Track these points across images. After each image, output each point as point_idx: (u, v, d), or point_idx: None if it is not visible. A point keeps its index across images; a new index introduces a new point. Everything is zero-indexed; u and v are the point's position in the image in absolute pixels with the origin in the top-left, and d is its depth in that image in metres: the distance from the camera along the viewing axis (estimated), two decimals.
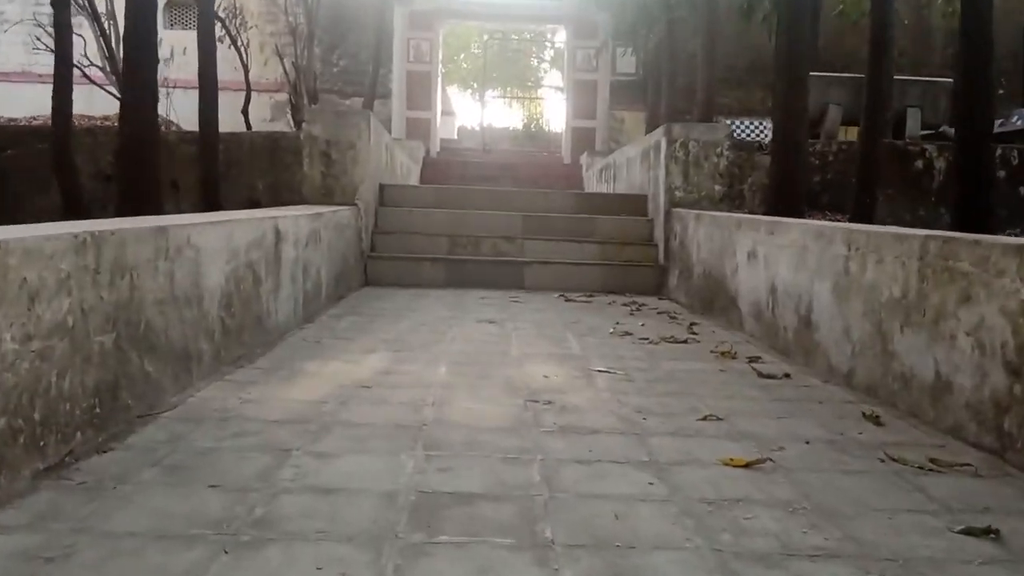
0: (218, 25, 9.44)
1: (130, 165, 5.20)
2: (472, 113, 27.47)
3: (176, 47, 12.18)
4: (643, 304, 5.27)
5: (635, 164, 7.51)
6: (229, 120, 9.40)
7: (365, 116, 6.02)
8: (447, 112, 27.26)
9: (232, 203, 5.90)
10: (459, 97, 29.88)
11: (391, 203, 6.78)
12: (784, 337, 3.52)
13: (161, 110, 10.03)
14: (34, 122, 10.07)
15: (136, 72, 5.32)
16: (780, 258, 3.58)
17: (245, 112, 8.95)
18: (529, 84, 30.51)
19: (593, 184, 11.17)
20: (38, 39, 9.04)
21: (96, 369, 1.80)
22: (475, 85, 28.73)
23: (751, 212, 5.91)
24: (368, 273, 6.05)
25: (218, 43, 9.00)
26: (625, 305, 5.21)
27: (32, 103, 12.71)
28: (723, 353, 3.49)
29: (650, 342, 3.77)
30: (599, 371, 3.00)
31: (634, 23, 10.39)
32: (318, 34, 13.66)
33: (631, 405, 2.45)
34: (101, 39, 7.30)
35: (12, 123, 10.07)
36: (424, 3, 13.47)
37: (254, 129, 12.87)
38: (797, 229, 3.38)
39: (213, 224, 2.64)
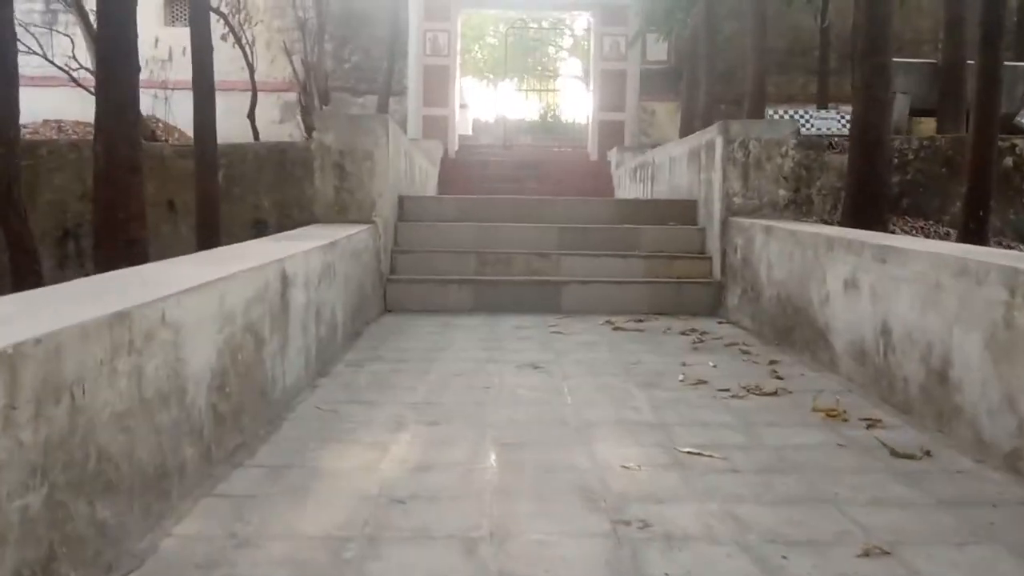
0: (221, 21, 8.93)
1: (107, 194, 4.64)
2: (486, 105, 26.84)
3: (176, 46, 11.67)
4: (704, 332, 4.68)
5: (679, 165, 6.91)
6: (235, 125, 8.89)
7: (383, 121, 5.46)
8: (461, 105, 26.81)
9: (235, 224, 5.37)
10: (473, 88, 29.33)
11: (412, 217, 6.22)
12: (903, 390, 2.92)
13: (159, 114, 9.53)
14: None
15: (111, 82, 4.75)
16: (897, 293, 2.98)
17: (251, 116, 8.43)
18: (547, 73, 29.86)
19: (625, 184, 10.56)
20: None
21: (15, 549, 1.25)
22: (490, 76, 28.14)
23: (822, 220, 5.31)
24: (388, 299, 5.50)
25: (221, 41, 8.48)
26: (684, 334, 4.62)
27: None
28: (829, 413, 2.90)
29: (733, 395, 3.18)
30: (690, 453, 2.43)
31: (669, 6, 9.74)
32: (329, 29, 13.11)
33: (755, 527, 1.86)
34: (90, 38, 6.78)
35: None
36: None
37: (262, 133, 12.33)
38: (925, 260, 2.77)
39: (198, 289, 2.08)
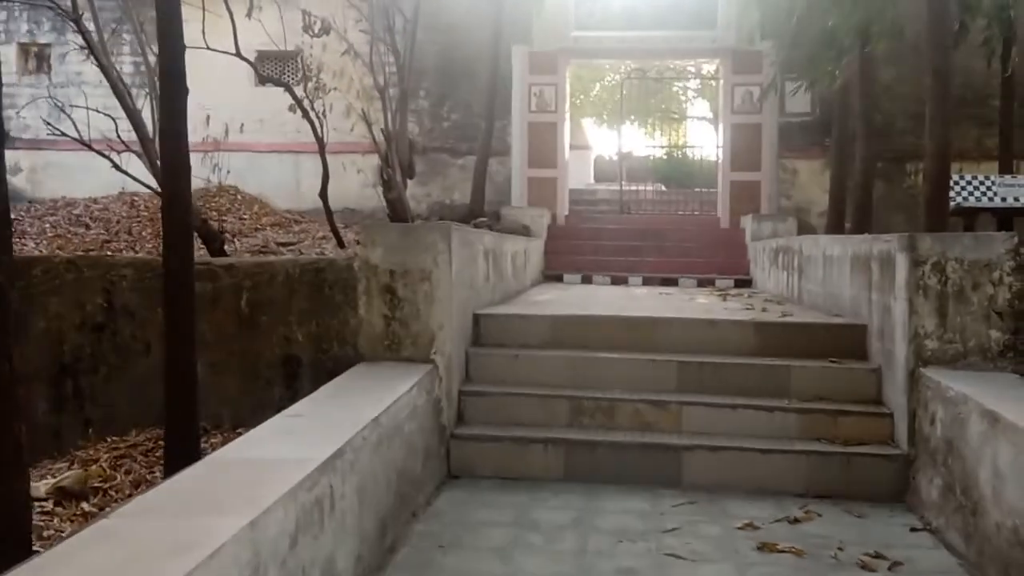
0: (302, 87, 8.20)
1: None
2: (609, 144, 25.71)
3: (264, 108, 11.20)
4: (897, 564, 3.24)
5: (838, 268, 5.47)
6: (310, 194, 8.10)
7: (444, 231, 4.36)
8: (582, 147, 25.72)
9: (261, 361, 4.41)
10: (595, 128, 28.31)
11: (490, 341, 5.08)
12: None
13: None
14: None
15: (169, 166, 3.81)
16: None
17: (323, 195, 7.57)
18: (673, 115, 28.47)
19: (764, 264, 9.08)
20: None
21: None
22: (608, 120, 26.99)
23: None
24: (452, 462, 4.35)
25: (291, 112, 7.72)
26: (864, 568, 3.20)
27: None
28: None
29: None
30: None
31: (814, 55, 8.32)
32: (425, 85, 12.36)
33: None
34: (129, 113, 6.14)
35: None
36: (547, 42, 11.90)
37: (357, 199, 11.67)
38: None
39: None
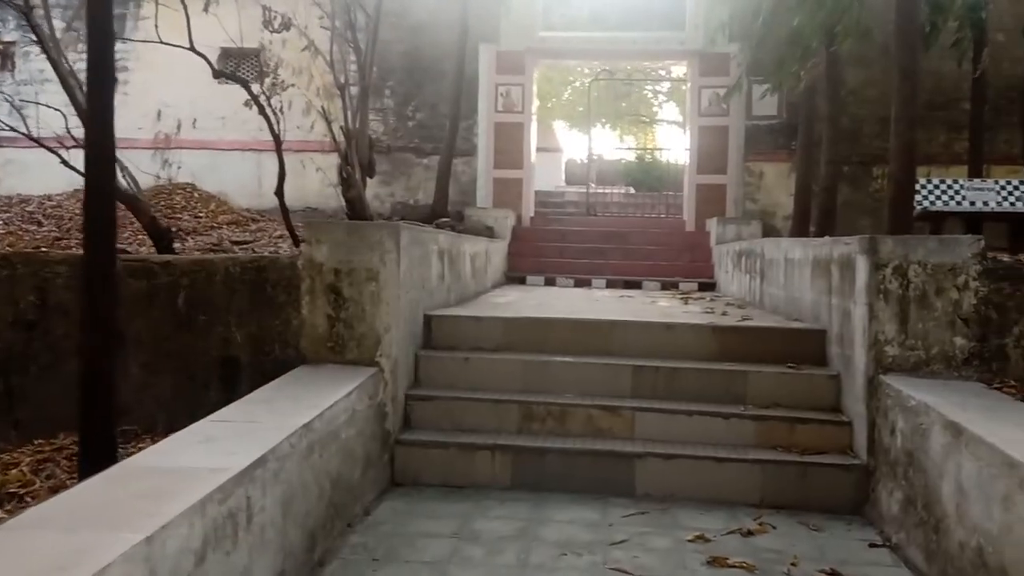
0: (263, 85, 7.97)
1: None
2: (580, 147, 25.65)
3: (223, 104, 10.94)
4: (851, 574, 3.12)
5: (799, 272, 5.36)
6: (271, 193, 7.84)
7: (392, 229, 4.18)
8: (553, 149, 25.61)
9: (198, 363, 4.18)
10: (565, 131, 28.25)
11: (441, 343, 4.90)
12: None
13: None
14: None
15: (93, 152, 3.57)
16: None
17: (279, 193, 7.33)
18: (643, 118, 28.49)
19: (727, 267, 8.99)
20: None
21: None
22: (579, 123, 26.93)
23: None
24: (396, 469, 4.17)
25: (247, 107, 7.48)
26: None
27: None
28: None
29: None
30: None
31: (782, 56, 8.23)
32: (391, 83, 12.14)
33: None
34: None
35: None
36: (514, 42, 11.73)
37: (317, 199, 11.43)
38: None
39: None
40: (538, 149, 15.61)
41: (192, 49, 6.65)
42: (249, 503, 2.44)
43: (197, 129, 11.98)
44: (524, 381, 4.57)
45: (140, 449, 3.73)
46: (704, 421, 4.24)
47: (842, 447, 4.11)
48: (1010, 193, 9.23)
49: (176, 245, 7.77)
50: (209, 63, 6.90)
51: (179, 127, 8.90)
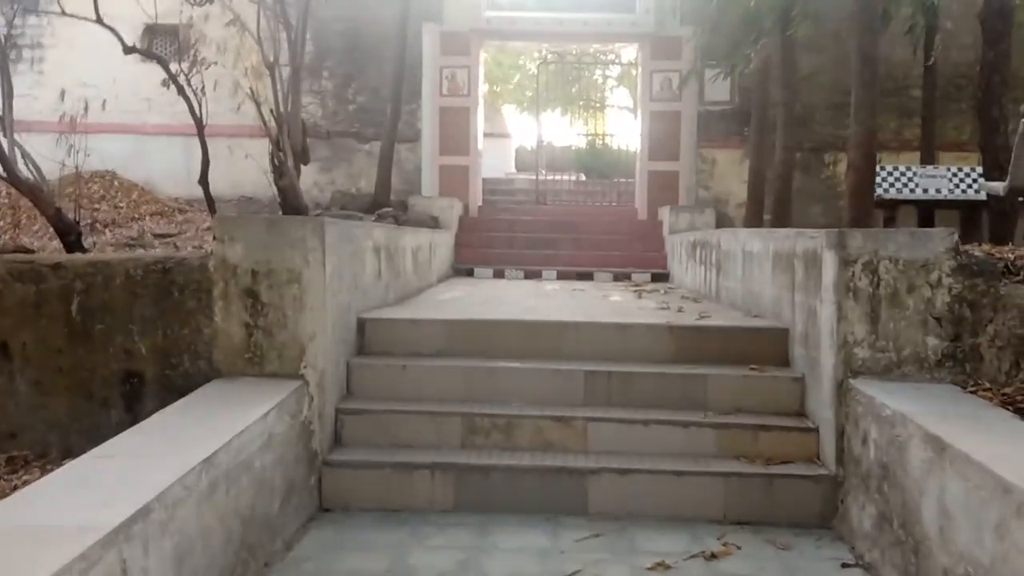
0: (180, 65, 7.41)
1: None
2: (531, 133, 25.26)
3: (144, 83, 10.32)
4: None
5: (759, 266, 5.08)
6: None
7: (316, 225, 3.77)
8: (503, 135, 25.16)
9: (95, 378, 3.72)
10: (517, 116, 27.85)
11: (376, 349, 4.50)
12: None
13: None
14: None
15: None
16: None
17: (203, 182, 6.83)
18: (593, 104, 28.22)
19: (681, 256, 8.73)
20: None
21: None
22: (528, 108, 26.54)
23: (1000, 387, 3.43)
24: (325, 493, 3.78)
25: (164, 87, 6.95)
26: None
27: None
28: None
29: None
30: None
31: (736, 40, 7.98)
32: (329, 65, 11.61)
33: None
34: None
35: None
36: (459, 22, 11.29)
37: (254, 189, 10.80)
38: None
39: None
40: (487, 135, 15.22)
41: (99, 21, 6.10)
42: (125, 568, 2.03)
43: (120, 111, 11.30)
44: (467, 389, 4.20)
45: (25, 482, 3.29)
46: (662, 430, 3.93)
47: (809, 455, 3.84)
48: (961, 180, 9.16)
49: (92, 239, 7.22)
50: (119, 37, 6.35)
51: (103, 107, 8.24)
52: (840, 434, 3.60)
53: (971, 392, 3.44)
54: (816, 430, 3.86)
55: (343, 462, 3.82)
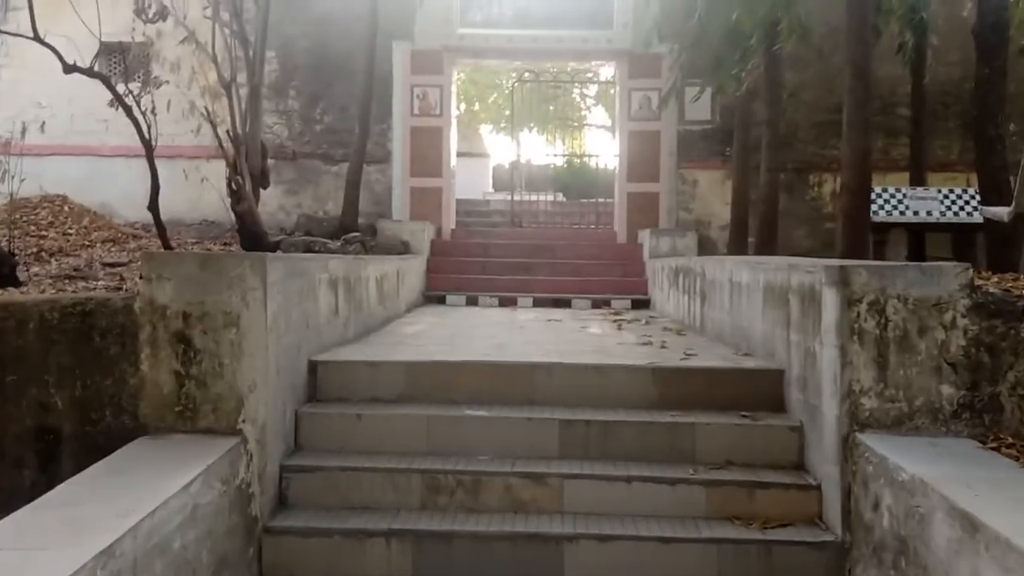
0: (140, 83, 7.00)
1: None
2: (509, 152, 24.99)
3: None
4: None
5: (750, 297, 4.73)
6: (163, 205, 6.87)
7: (256, 261, 3.37)
8: (480, 154, 24.86)
9: (6, 437, 3.30)
10: (494, 135, 27.63)
11: (329, 395, 4.09)
12: None
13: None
14: None
15: None
16: None
17: (152, 208, 6.40)
18: (571, 123, 28.05)
19: (663, 284, 8.39)
20: None
21: None
22: (505, 127, 26.31)
23: None
24: (266, 566, 3.35)
25: (111, 107, 6.54)
26: None
27: None
28: None
29: None
30: None
31: (719, 56, 7.69)
32: (295, 83, 11.22)
33: None
34: None
35: None
36: (431, 40, 10.93)
37: (215, 213, 10.33)
38: None
39: None
40: (464, 154, 14.84)
41: (36, 39, 5.68)
42: None
43: (75, 132, 10.85)
44: (429, 442, 3.80)
45: None
46: (646, 488, 3.55)
47: (810, 516, 3.47)
48: (953, 202, 8.90)
49: (36, 270, 6.75)
50: (59, 56, 5.92)
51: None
52: (847, 494, 3.23)
53: (992, 448, 3.09)
54: (818, 487, 3.49)
55: (287, 528, 3.39)
